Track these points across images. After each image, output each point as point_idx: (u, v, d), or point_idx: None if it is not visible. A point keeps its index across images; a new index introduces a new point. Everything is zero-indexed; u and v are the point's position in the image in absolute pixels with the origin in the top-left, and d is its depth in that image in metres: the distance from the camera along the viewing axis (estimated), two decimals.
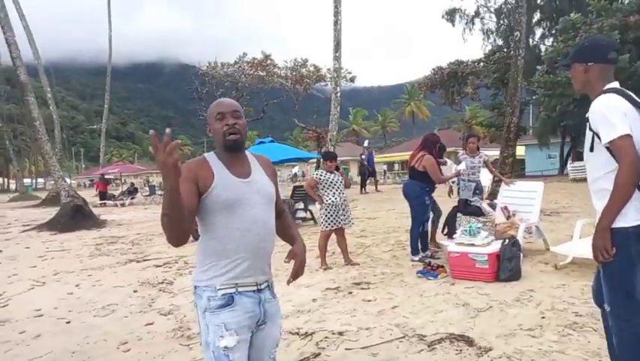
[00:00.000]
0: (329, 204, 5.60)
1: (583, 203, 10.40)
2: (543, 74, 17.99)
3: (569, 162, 19.74)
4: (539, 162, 29.90)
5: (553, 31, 26.03)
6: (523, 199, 6.11)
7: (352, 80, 27.25)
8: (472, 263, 4.76)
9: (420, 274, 5.04)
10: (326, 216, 5.62)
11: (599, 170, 2.17)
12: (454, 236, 5.09)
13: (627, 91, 2.16)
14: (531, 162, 31.85)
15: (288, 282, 1.89)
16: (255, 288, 1.74)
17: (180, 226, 1.56)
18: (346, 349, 3.27)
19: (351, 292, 4.66)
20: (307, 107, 33.00)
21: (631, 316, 2.14)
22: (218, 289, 1.69)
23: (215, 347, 1.66)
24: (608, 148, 2.09)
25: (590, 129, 2.17)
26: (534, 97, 20.77)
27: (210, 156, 1.80)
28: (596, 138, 2.16)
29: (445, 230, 5.69)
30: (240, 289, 1.70)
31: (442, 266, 5.11)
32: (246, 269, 1.71)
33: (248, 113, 31.29)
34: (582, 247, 5.06)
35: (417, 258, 5.69)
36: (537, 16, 26.72)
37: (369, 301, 4.35)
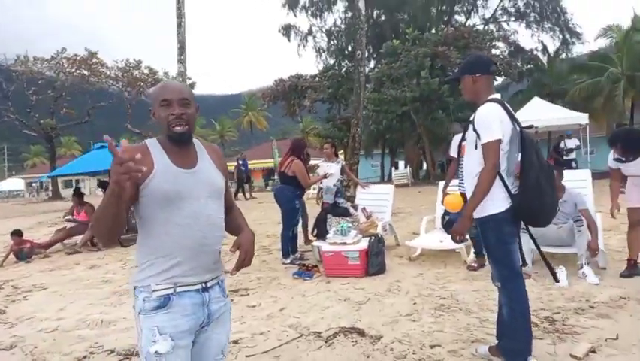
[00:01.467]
0: None
1: (411, 205, 11.95)
2: (371, 91, 20.18)
3: (392, 170, 22.51)
4: (364, 170, 33.26)
5: (375, 55, 29.48)
6: (378, 200, 6.74)
7: (192, 86, 26.30)
8: (345, 261, 5.04)
9: (296, 276, 5.12)
10: None
11: (478, 166, 2.58)
12: (328, 236, 5.33)
13: (505, 103, 2.62)
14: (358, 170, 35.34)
15: (232, 273, 1.71)
16: (198, 287, 1.58)
17: (111, 226, 1.46)
18: (247, 356, 3.13)
19: (232, 300, 4.48)
20: (139, 113, 30.70)
21: (511, 284, 2.58)
22: (154, 290, 1.52)
23: (147, 353, 1.49)
24: (482, 147, 2.52)
25: (474, 130, 2.57)
26: (363, 112, 23.10)
27: (152, 143, 1.63)
28: (477, 138, 2.57)
29: (315, 232, 5.91)
30: (179, 290, 1.54)
31: (316, 266, 5.30)
32: (188, 269, 1.55)
33: (69, 117, 27.60)
34: (428, 240, 5.85)
35: (288, 261, 5.77)
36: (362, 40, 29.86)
37: (254, 306, 4.25)
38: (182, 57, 14.40)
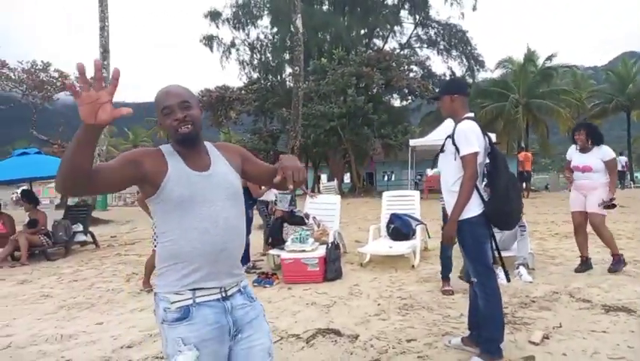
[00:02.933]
0: None
1: (345, 216, 12.31)
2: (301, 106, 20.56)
3: (322, 182, 23.05)
4: None
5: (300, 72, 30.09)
6: (326, 210, 6.96)
7: None
8: (305, 267, 5.17)
9: (256, 284, 5.12)
10: None
11: (455, 175, 2.90)
12: (286, 244, 5.41)
13: (477, 120, 2.98)
14: None
15: (288, 188, 1.55)
16: (218, 296, 1.57)
17: (71, 169, 1.28)
18: None
19: None
20: (45, 118, 28.14)
21: (486, 279, 2.90)
22: (173, 302, 1.52)
23: None
24: (462, 159, 2.84)
25: (453, 144, 2.88)
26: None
27: (165, 148, 1.62)
28: (456, 151, 2.88)
29: (269, 240, 5.95)
30: (198, 300, 1.53)
31: (275, 273, 5.35)
32: (207, 275, 1.54)
33: None
34: (378, 246, 6.18)
35: (243, 269, 5.74)
36: (287, 56, 30.35)
37: None
38: (105, 63, 13.63)
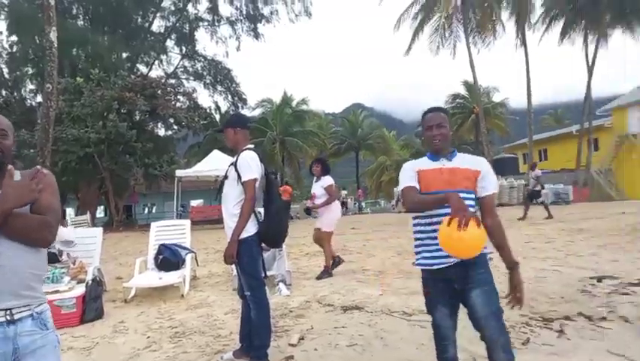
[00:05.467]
0: None
1: (103, 250, 11.22)
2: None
3: (69, 217, 20.12)
4: None
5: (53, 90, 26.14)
6: (84, 245, 6.30)
7: None
8: (58, 310, 4.57)
9: None
10: None
11: (235, 199, 3.24)
12: None
13: (257, 150, 3.38)
14: None
15: None
16: (2, 319, 1.47)
17: None
18: None
19: None
20: None
21: (258, 292, 3.26)
22: None
23: None
24: (243, 184, 3.20)
25: (236, 170, 3.21)
26: (31, 151, 19.97)
27: None
28: (238, 177, 3.22)
29: None
30: None
31: None
32: None
33: None
34: (147, 279, 5.97)
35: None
36: (30, 70, 26.08)
37: None
38: None
